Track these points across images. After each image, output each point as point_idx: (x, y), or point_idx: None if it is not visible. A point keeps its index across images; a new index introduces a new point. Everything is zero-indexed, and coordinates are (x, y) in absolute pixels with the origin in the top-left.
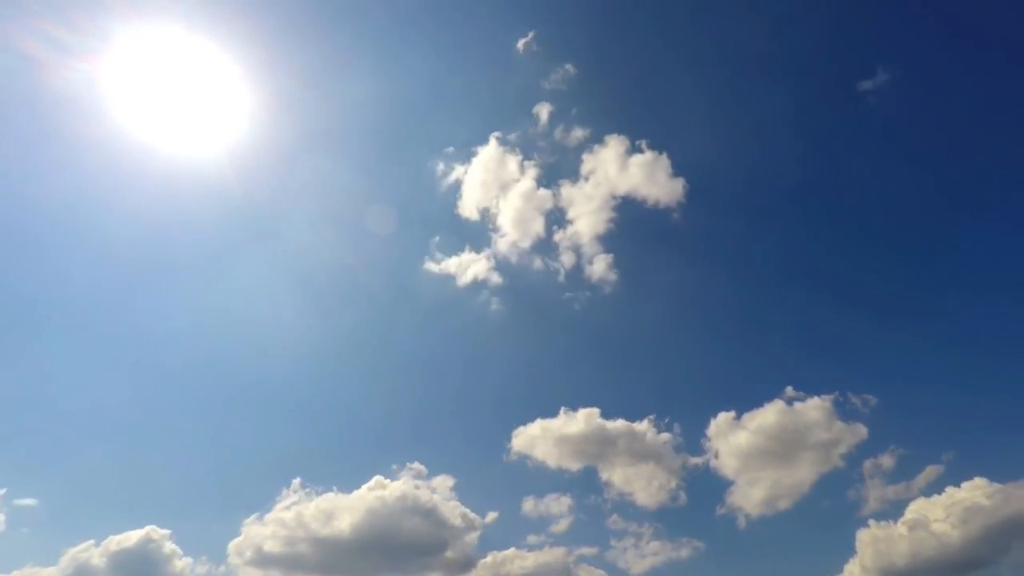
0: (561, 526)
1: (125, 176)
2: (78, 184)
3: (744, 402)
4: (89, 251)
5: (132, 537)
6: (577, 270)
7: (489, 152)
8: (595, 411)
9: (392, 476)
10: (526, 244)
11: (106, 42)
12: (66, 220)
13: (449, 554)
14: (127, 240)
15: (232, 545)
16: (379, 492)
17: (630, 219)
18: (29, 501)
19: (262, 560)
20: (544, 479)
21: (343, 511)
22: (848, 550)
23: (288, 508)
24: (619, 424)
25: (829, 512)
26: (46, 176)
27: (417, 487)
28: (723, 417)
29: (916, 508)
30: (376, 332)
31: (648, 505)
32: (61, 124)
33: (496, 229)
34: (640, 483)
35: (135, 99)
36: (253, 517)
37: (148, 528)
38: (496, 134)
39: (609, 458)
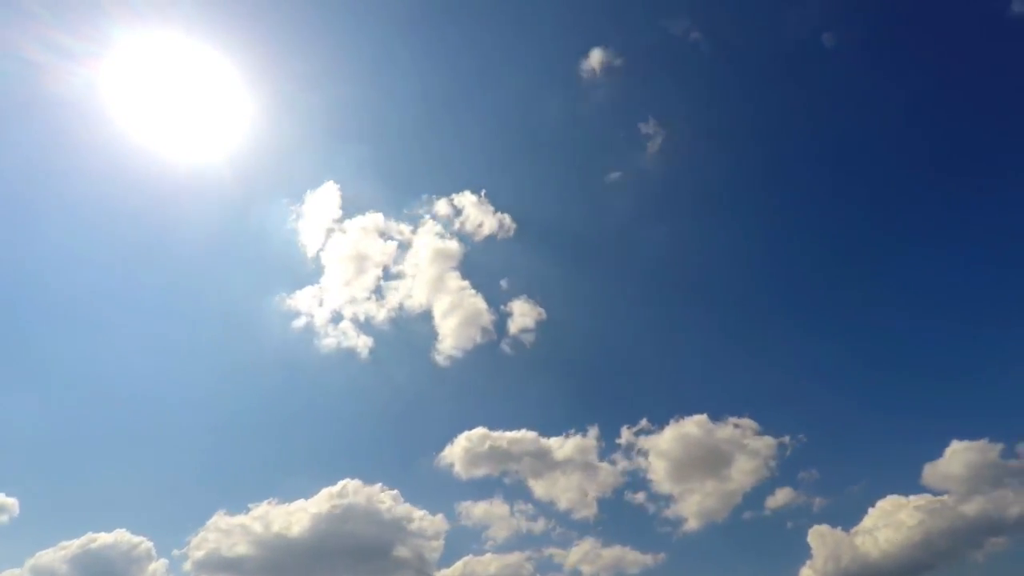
0: (500, 535)
1: (125, 180)
2: (79, 189)
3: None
4: (89, 254)
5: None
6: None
7: (325, 192)
8: (524, 427)
9: (331, 487)
10: (376, 277)
11: (107, 47)
12: (66, 224)
13: (401, 552)
14: (126, 243)
15: (175, 553)
16: (329, 501)
17: (473, 248)
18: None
19: (201, 567)
20: (476, 490)
21: (287, 520)
22: (795, 557)
23: (231, 518)
24: (549, 440)
25: (769, 521)
26: (47, 181)
27: (365, 496)
28: (650, 429)
29: (868, 514)
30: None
31: (587, 516)
32: (62, 129)
33: (324, 268)
34: (574, 495)
35: (136, 103)
36: (199, 525)
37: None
38: (331, 180)
39: (539, 470)
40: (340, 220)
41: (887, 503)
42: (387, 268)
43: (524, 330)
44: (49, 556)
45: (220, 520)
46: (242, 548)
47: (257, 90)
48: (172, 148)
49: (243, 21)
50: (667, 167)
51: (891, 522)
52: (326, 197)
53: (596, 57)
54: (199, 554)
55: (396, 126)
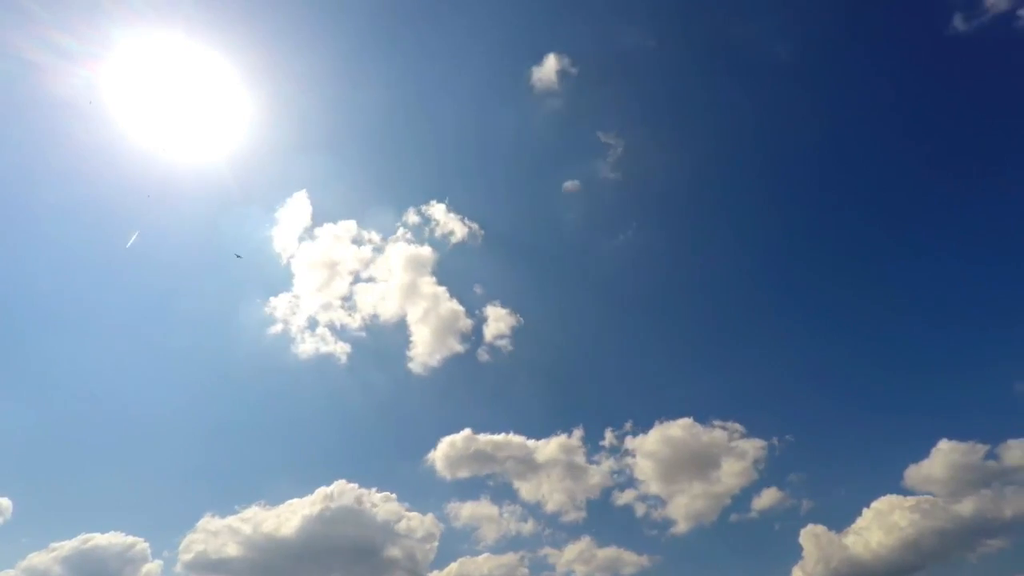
0: (491, 536)
1: (125, 180)
2: (78, 189)
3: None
4: (81, 257)
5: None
6: (402, 310)
7: (297, 201)
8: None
9: (325, 488)
10: (350, 283)
11: (106, 48)
12: (66, 224)
13: (392, 553)
14: (117, 246)
15: (166, 555)
16: (321, 502)
17: (447, 254)
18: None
19: (191, 568)
20: (464, 492)
21: (276, 522)
22: (786, 558)
23: (220, 520)
24: (537, 441)
25: (757, 523)
26: (47, 181)
27: (356, 498)
28: (635, 432)
29: (861, 515)
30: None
31: (577, 518)
32: (62, 129)
33: (297, 274)
34: (561, 496)
35: (134, 105)
36: (189, 527)
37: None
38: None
39: (524, 472)
40: (311, 228)
41: (881, 503)
42: (359, 274)
43: (500, 336)
44: (40, 558)
45: (209, 522)
46: (231, 549)
47: (238, 97)
48: (157, 151)
49: (234, 28)
50: (627, 174)
51: (884, 523)
52: (298, 205)
53: (551, 65)
54: (188, 556)
55: (363, 136)
